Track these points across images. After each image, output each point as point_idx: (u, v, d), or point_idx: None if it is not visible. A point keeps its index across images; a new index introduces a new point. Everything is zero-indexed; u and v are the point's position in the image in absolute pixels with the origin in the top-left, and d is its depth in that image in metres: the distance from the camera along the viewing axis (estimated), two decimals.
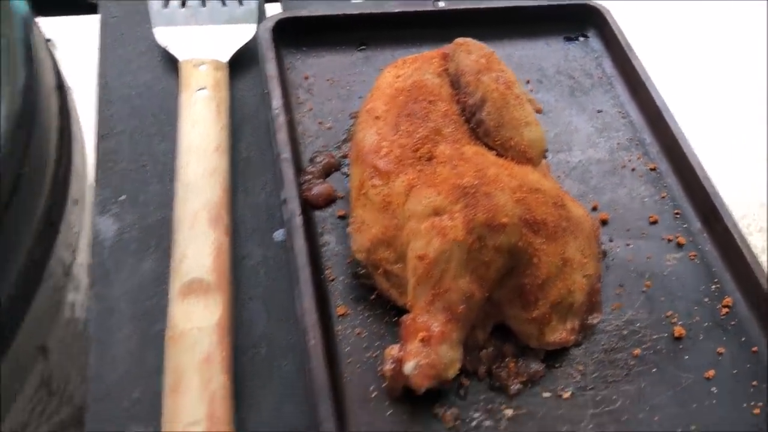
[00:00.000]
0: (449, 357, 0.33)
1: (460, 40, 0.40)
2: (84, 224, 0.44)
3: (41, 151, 0.39)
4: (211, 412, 0.30)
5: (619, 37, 0.51)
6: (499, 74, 0.38)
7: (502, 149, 0.38)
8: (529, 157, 0.38)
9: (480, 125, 0.38)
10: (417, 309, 0.34)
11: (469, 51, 0.39)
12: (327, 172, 0.42)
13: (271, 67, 0.45)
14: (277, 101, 0.43)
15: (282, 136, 0.41)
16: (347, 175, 0.43)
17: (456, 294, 0.34)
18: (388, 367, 0.34)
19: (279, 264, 0.39)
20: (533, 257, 0.35)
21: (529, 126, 0.38)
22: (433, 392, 0.34)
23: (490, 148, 0.38)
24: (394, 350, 0.34)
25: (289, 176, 0.40)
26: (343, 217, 0.41)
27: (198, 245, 0.36)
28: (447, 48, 0.41)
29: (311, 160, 0.43)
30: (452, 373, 0.34)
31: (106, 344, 0.35)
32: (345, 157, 0.44)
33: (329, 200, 0.41)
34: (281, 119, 0.42)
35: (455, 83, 0.39)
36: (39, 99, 0.39)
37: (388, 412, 0.34)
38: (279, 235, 0.40)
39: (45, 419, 0.42)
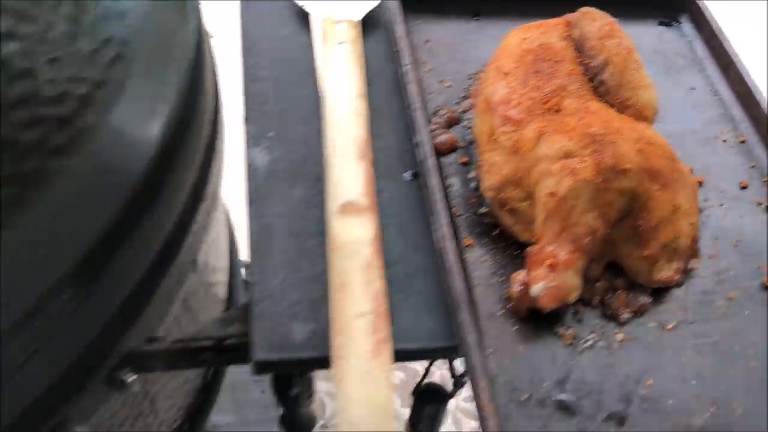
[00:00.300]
0: (573, 282, 0.38)
1: (584, 9, 0.45)
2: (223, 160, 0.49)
3: (206, 89, 0.44)
4: (375, 307, 0.35)
5: (711, 22, 0.56)
6: (621, 41, 0.43)
7: (621, 107, 0.42)
8: (645, 116, 0.42)
9: (602, 85, 0.42)
10: (545, 240, 0.39)
11: (593, 18, 0.44)
12: (449, 124, 0.47)
13: (399, 29, 0.50)
14: (407, 58, 0.48)
15: (413, 89, 0.46)
16: (468, 128, 0.47)
17: (582, 228, 0.38)
18: (516, 289, 0.38)
19: (409, 200, 0.44)
20: (649, 201, 0.39)
21: (645, 89, 0.43)
22: (552, 315, 0.39)
23: (611, 106, 0.42)
24: (521, 275, 0.39)
25: (421, 123, 0.44)
26: (465, 164, 0.45)
27: (350, 174, 0.41)
28: (570, 16, 0.46)
29: (435, 113, 0.48)
30: (574, 297, 0.38)
31: (266, 255, 0.40)
32: (465, 112, 0.48)
33: (452, 148, 0.46)
34: (412, 74, 0.47)
35: (579, 47, 0.44)
36: (203, 41, 0.44)
37: (514, 328, 0.38)
38: (407, 176, 0.45)
39: (178, 332, 0.47)
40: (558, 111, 0.41)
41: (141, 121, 0.36)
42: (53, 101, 0.32)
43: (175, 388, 0.52)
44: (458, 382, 0.47)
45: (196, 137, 0.41)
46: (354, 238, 0.37)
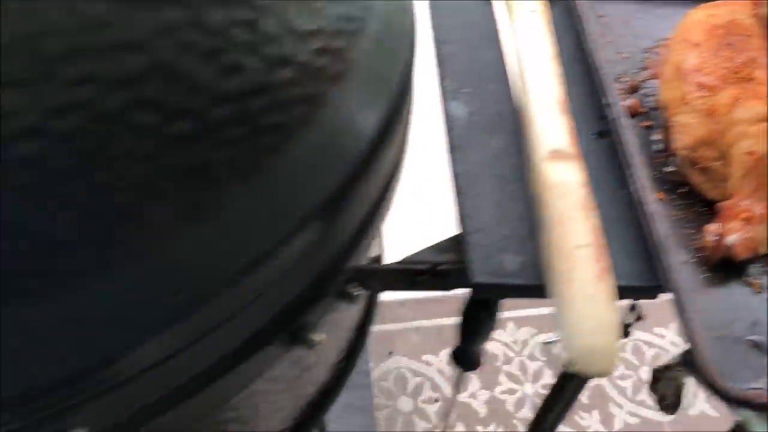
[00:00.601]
0: (765, 236, 0.41)
1: None
2: None
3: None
4: (595, 240, 0.38)
5: None
6: None
7: None
8: None
9: None
10: (740, 195, 0.42)
11: None
12: (632, 90, 0.50)
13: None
14: (592, 27, 0.51)
15: (601, 55, 0.50)
16: (647, 96, 0.50)
17: None
18: (710, 239, 0.42)
19: (599, 156, 0.47)
20: None
21: None
22: (738, 267, 0.42)
23: None
24: (713, 227, 0.42)
25: (611, 86, 0.48)
26: (648, 127, 0.49)
27: (554, 126, 0.44)
28: None
29: (616, 80, 0.51)
30: (765, 250, 0.41)
31: (472, 195, 0.44)
32: (643, 81, 0.51)
33: (635, 113, 0.49)
34: (598, 41, 0.50)
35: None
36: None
37: (704, 276, 0.42)
38: (592, 135, 0.49)
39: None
40: (750, 80, 0.44)
41: (388, 61, 0.40)
42: (334, 35, 0.36)
43: (346, 323, 0.56)
44: (626, 331, 0.51)
45: (410, 87, 0.46)
46: (566, 180, 0.41)
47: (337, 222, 0.38)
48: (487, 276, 0.40)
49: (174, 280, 0.31)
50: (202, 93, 0.30)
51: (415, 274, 0.42)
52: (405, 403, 1.23)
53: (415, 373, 1.27)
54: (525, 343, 1.36)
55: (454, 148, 0.46)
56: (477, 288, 0.40)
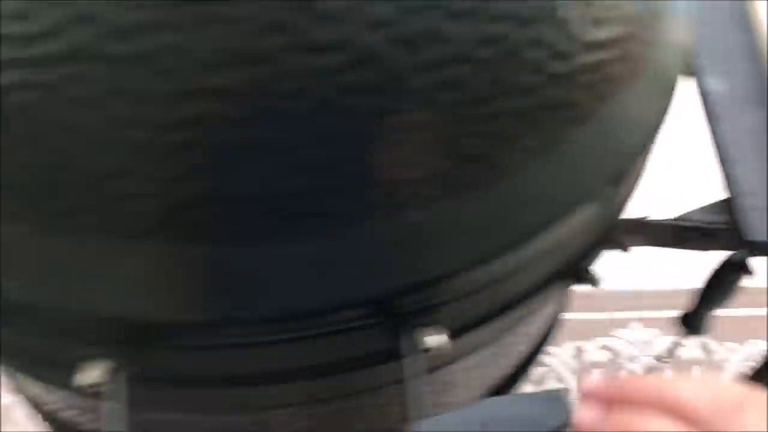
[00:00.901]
0: None
1: None
2: None
3: None
4: None
5: None
6: None
7: None
8: None
9: None
10: None
11: None
12: None
13: None
14: None
15: None
16: None
17: None
18: None
19: None
20: None
21: None
22: None
23: None
24: None
25: None
26: None
27: None
28: None
29: None
30: None
31: (738, 162, 0.47)
32: None
33: None
34: None
35: None
36: None
37: None
38: None
39: None
40: None
41: (675, 38, 0.43)
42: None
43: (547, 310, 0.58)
44: None
45: None
46: None
47: (631, 172, 0.41)
48: (764, 234, 0.43)
49: (524, 206, 0.35)
50: (573, 40, 0.34)
51: (684, 230, 0.45)
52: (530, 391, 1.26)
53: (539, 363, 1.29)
54: (649, 343, 1.36)
55: (715, 119, 0.49)
56: (752, 246, 0.43)
